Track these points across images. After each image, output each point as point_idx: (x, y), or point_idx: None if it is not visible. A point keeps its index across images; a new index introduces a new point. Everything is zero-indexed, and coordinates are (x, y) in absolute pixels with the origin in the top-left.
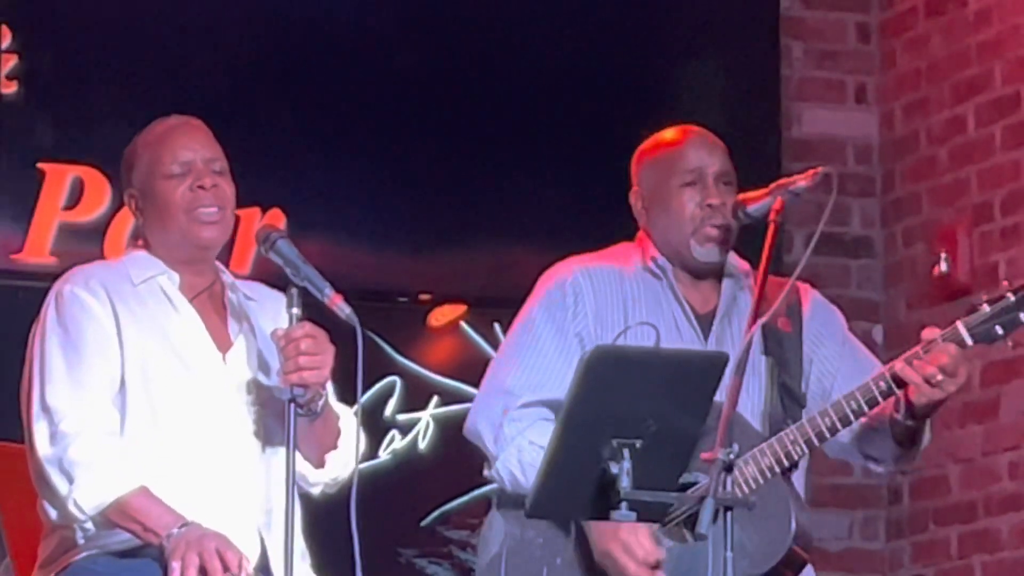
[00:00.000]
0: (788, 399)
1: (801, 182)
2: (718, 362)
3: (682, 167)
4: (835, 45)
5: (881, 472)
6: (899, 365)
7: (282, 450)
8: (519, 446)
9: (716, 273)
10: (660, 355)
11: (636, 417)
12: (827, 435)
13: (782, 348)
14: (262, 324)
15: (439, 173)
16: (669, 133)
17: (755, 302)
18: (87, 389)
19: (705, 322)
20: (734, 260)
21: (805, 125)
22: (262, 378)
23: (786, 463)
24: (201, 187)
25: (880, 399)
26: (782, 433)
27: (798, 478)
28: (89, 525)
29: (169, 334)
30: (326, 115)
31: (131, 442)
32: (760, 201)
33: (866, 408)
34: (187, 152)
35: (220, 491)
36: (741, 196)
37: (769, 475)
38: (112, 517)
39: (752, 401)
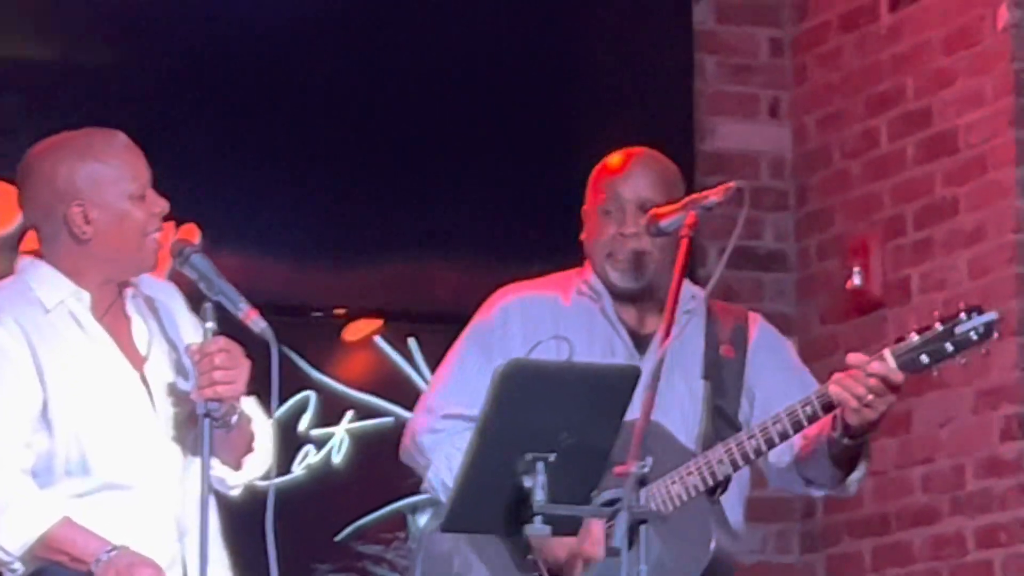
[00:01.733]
0: (723, 423)
1: (713, 196)
2: (630, 375)
3: (605, 194)
4: (748, 59)
5: (821, 496)
6: (832, 388)
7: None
8: (447, 454)
9: (658, 297)
10: (573, 368)
11: (550, 431)
12: (752, 456)
13: (720, 374)
14: (166, 321)
15: (355, 186)
16: (613, 158)
17: (666, 318)
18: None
19: (643, 343)
20: (685, 285)
21: (719, 139)
22: (181, 384)
23: (711, 482)
24: (159, 213)
25: (805, 423)
26: (709, 452)
27: (732, 500)
28: (17, 565)
29: (85, 362)
30: (241, 126)
31: (59, 475)
32: (673, 216)
33: (791, 431)
34: (144, 173)
35: (143, 508)
36: (654, 211)
37: (694, 493)
38: (39, 553)
39: (687, 424)
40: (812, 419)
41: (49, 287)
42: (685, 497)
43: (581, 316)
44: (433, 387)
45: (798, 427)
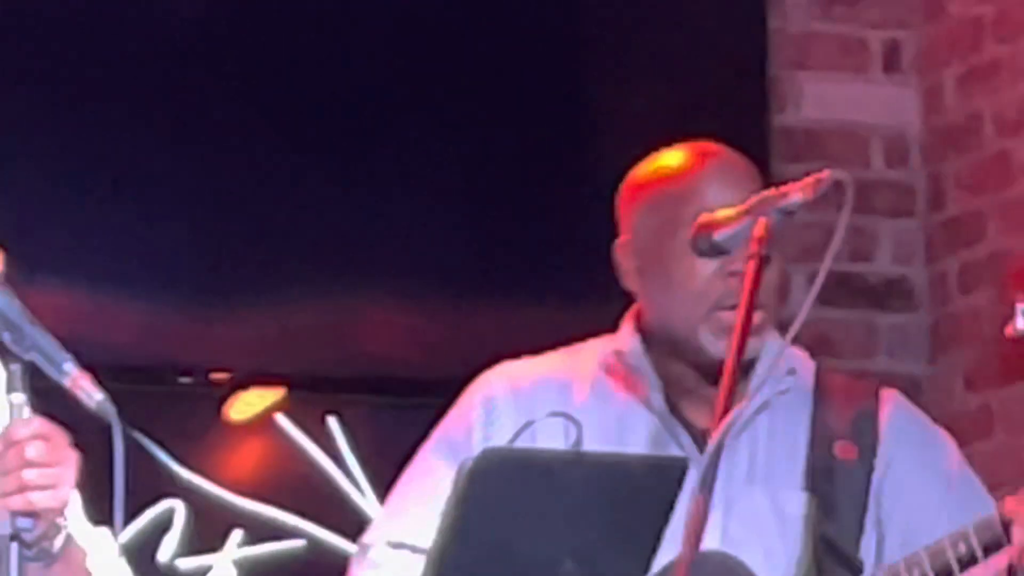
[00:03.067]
0: (832, 561)
1: (797, 194)
2: (671, 470)
3: (695, 215)
4: None
5: None
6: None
7: None
8: None
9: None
10: (582, 461)
11: (547, 559)
12: None
13: (834, 486)
14: None
15: (243, 190)
16: (673, 159)
17: (727, 377)
18: None
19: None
20: (780, 346)
21: (806, 107)
22: None
23: None
24: None
25: (956, 570)
26: None
27: None
28: None
29: None
30: (65, 103)
31: None
32: (733, 225)
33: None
34: None
35: None
36: (705, 218)
37: None
38: None
39: (774, 562)
40: (968, 564)
41: None
42: None
43: (605, 413)
44: (377, 518)
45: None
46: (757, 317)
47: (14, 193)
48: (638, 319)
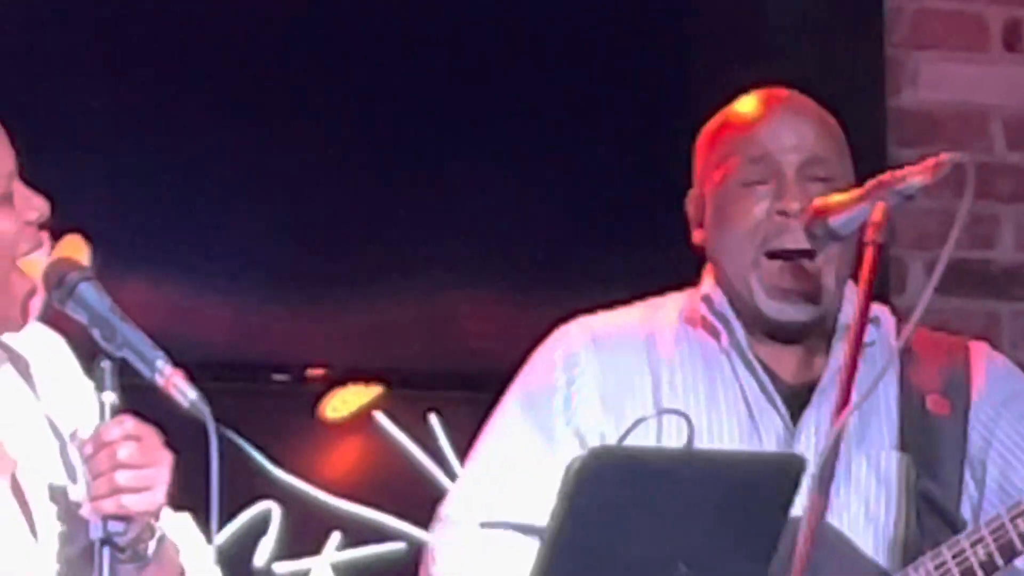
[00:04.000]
0: (934, 519)
1: (916, 177)
2: (789, 470)
3: (747, 154)
4: None
5: None
6: None
7: None
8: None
9: (824, 329)
10: (694, 461)
11: (659, 561)
12: (979, 573)
13: (931, 441)
14: (49, 395)
15: (341, 187)
16: (741, 103)
17: (846, 367)
18: None
19: (796, 401)
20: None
21: (924, 88)
22: (74, 494)
23: None
24: (28, 221)
25: (1020, 544)
26: (911, 568)
27: None
28: None
29: None
30: (162, 97)
31: None
32: (851, 210)
33: None
34: (6, 161)
35: None
36: (820, 202)
37: None
38: None
39: (874, 522)
40: None
41: None
42: None
43: (696, 361)
44: (461, 483)
45: None
46: (829, 280)
47: (106, 190)
48: (714, 274)
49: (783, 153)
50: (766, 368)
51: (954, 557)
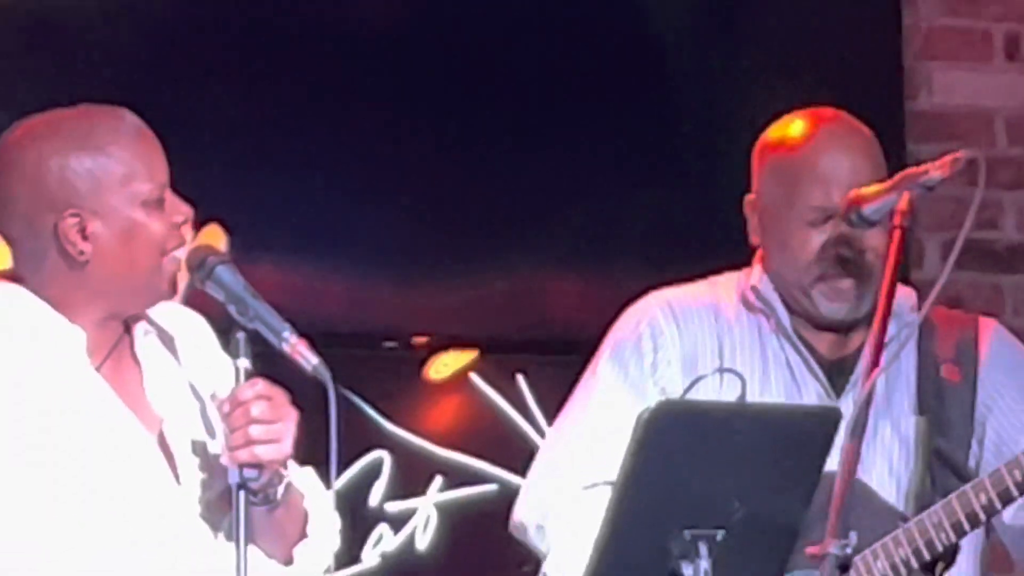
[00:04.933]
0: (946, 473)
1: (936, 172)
2: (827, 420)
3: (809, 197)
4: None
5: None
6: None
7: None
8: (575, 532)
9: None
10: (746, 412)
11: (716, 499)
12: (981, 516)
13: (944, 405)
14: (191, 365)
15: (439, 173)
16: (801, 129)
17: (875, 338)
18: None
19: (835, 373)
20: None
21: (938, 93)
22: (214, 448)
23: (927, 555)
24: (184, 223)
25: (1016, 492)
26: (924, 514)
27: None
28: None
29: (80, 426)
30: (284, 97)
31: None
32: (880, 199)
33: None
34: (161, 169)
35: None
36: (855, 193)
37: (905, 572)
38: None
39: (896, 476)
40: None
41: (29, 324)
42: None
43: (751, 336)
44: (563, 438)
45: None
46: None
47: (239, 186)
48: (763, 262)
49: (841, 191)
50: (807, 345)
51: (960, 502)
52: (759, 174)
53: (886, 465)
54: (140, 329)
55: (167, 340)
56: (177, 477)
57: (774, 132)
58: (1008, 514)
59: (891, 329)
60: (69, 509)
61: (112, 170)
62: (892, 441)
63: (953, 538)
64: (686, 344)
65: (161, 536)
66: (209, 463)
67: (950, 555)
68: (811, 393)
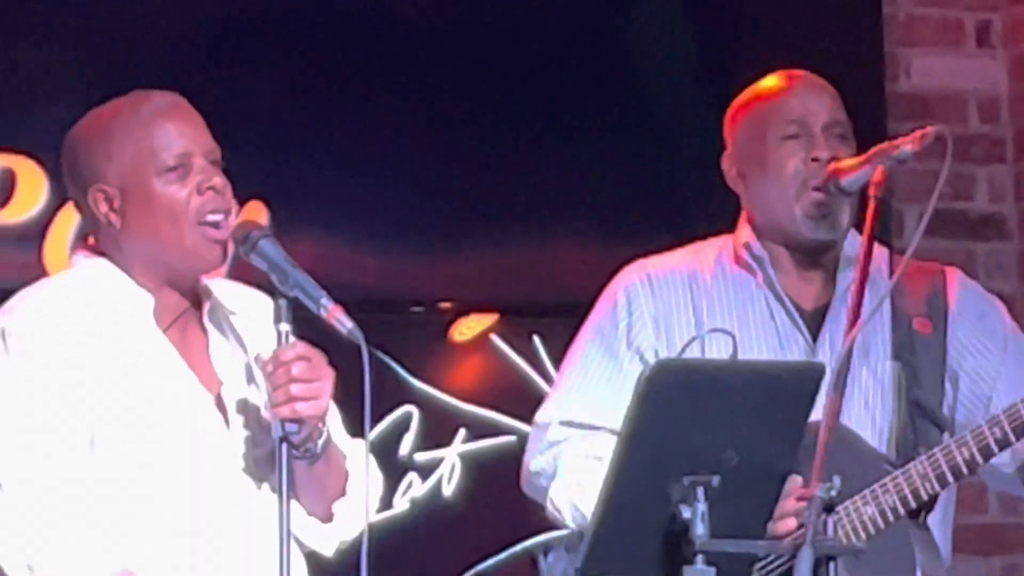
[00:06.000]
0: (922, 420)
1: (907, 146)
2: (811, 374)
3: (782, 117)
4: None
5: None
6: None
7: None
8: (573, 466)
9: (832, 260)
10: (737, 368)
11: (712, 448)
12: (964, 470)
13: (916, 354)
14: (254, 339)
15: (460, 154)
16: (768, 81)
17: (855, 295)
18: (44, 459)
19: (814, 322)
20: (858, 243)
21: (915, 76)
22: (263, 412)
23: (913, 503)
24: (211, 188)
25: (996, 449)
26: (910, 465)
27: (939, 521)
28: None
29: (147, 381)
30: (318, 86)
31: (112, 519)
32: (857, 171)
33: (1013, 438)
34: (184, 141)
35: (215, 559)
36: (834, 166)
37: (892, 518)
38: None
39: (876, 421)
40: (1003, 446)
41: (102, 288)
42: (881, 523)
43: (730, 293)
44: (550, 396)
45: (1022, 431)
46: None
47: (281, 165)
48: (750, 221)
49: (811, 115)
50: (791, 299)
51: (944, 455)
52: (732, 129)
53: (864, 409)
54: (208, 305)
55: (221, 309)
56: (230, 432)
57: (743, 95)
58: (1003, 462)
59: (849, 272)
60: (134, 449)
61: (127, 146)
62: (868, 386)
63: (938, 488)
64: (659, 308)
65: (212, 481)
66: (260, 423)
67: (931, 502)
68: (794, 344)
